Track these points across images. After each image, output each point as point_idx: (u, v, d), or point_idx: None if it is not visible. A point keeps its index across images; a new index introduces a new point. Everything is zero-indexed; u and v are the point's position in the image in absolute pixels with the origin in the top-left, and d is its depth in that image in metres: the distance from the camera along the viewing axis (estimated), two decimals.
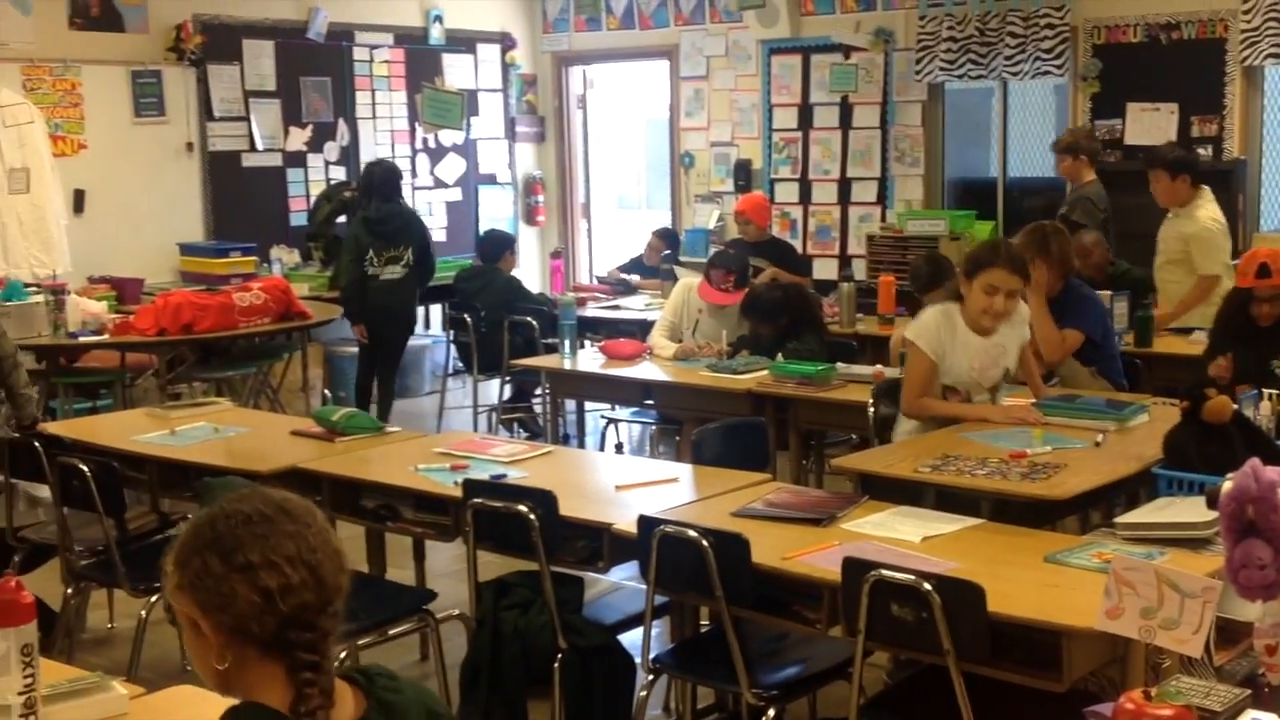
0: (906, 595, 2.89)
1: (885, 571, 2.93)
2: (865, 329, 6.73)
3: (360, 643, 3.92)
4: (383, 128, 9.70)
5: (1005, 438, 4.18)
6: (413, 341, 9.51)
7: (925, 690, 3.13)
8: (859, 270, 8.39)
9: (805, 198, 9.47)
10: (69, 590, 4.56)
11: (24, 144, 7.57)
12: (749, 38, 9.58)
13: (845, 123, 9.21)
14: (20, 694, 2.31)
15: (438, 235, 10.09)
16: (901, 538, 3.34)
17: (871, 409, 4.77)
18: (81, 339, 6.38)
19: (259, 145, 8.93)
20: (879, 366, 5.56)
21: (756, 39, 9.54)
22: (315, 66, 9.22)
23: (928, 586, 2.84)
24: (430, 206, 10.06)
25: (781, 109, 9.54)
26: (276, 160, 9.06)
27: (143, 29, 8.30)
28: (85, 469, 4.20)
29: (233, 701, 1.71)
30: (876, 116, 9.11)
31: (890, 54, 8.97)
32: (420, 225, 7.80)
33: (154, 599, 4.29)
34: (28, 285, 6.84)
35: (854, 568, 3.00)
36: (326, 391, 8.35)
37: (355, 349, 9.06)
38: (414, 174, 9.91)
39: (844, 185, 9.33)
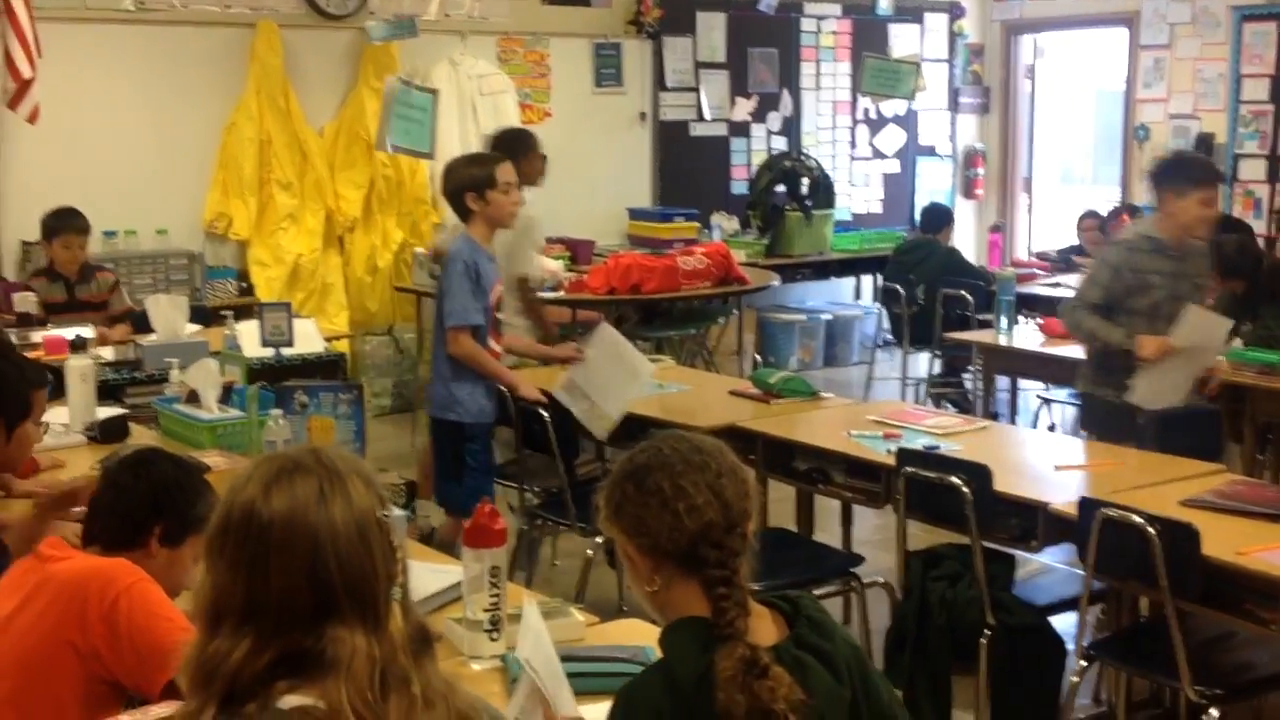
0: None
1: None
2: None
3: None
4: (825, 99, 9.78)
5: None
6: (843, 311, 9.61)
7: None
8: None
9: (1274, 176, 8.79)
10: (524, 526, 4.92)
11: (498, 112, 8.12)
12: (1219, 4, 8.97)
13: None
14: (486, 610, 2.53)
15: (873, 206, 10.10)
16: None
17: None
18: (541, 294, 6.81)
19: (706, 115, 9.21)
20: None
21: (1228, 5, 8.91)
22: (763, 38, 9.39)
23: None
24: (867, 177, 10.07)
25: (1252, 80, 8.88)
26: (722, 130, 9.32)
27: (606, 3, 8.73)
28: (545, 415, 4.52)
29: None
30: None
31: None
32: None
33: (598, 539, 4.57)
34: None
35: None
36: (757, 356, 8.54)
37: (788, 316, 9.27)
38: (853, 144, 9.95)
39: None
